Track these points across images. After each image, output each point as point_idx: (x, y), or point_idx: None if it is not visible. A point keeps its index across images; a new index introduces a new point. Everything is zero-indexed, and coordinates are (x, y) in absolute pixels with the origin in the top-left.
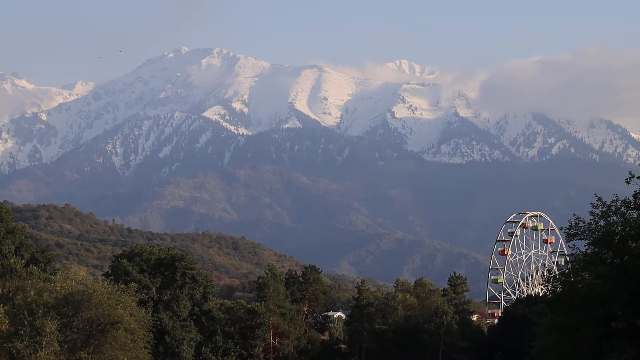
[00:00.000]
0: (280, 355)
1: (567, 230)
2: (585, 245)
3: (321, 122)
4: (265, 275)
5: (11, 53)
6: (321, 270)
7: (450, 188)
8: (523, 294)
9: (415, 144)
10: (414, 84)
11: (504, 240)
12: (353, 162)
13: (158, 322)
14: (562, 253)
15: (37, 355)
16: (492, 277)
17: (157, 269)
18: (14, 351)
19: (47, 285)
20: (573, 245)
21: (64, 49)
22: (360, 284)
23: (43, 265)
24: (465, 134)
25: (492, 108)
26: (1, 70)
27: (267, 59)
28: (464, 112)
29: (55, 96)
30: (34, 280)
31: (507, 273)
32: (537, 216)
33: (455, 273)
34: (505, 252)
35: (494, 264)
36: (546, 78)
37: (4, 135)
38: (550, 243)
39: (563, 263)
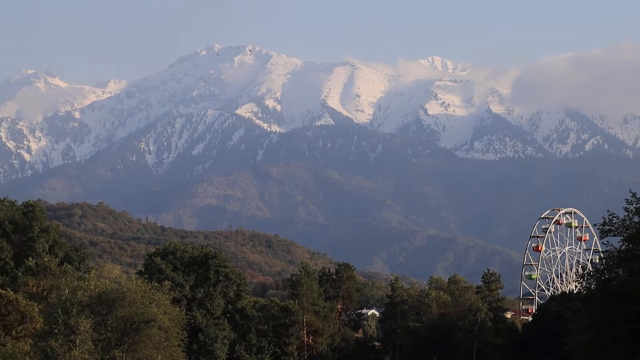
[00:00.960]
0: (314, 353)
1: (600, 227)
2: (619, 242)
3: (354, 119)
4: (299, 273)
5: (44, 52)
6: (354, 268)
7: (483, 185)
8: (557, 290)
9: (448, 141)
10: (446, 80)
11: (537, 237)
12: (386, 159)
13: (192, 320)
14: (597, 250)
15: (72, 353)
16: (526, 273)
17: (190, 267)
18: (49, 350)
19: (81, 283)
20: (607, 242)
21: (96, 47)
22: (393, 282)
23: (77, 263)
24: (498, 131)
25: (525, 104)
26: (35, 69)
27: (299, 56)
28: (496, 109)
29: (89, 94)
30: (68, 279)
31: (541, 269)
32: (571, 213)
33: (488, 270)
34: (540, 248)
35: (528, 259)
36: (579, 74)
37: (38, 133)
38: (584, 240)
39: (597, 260)
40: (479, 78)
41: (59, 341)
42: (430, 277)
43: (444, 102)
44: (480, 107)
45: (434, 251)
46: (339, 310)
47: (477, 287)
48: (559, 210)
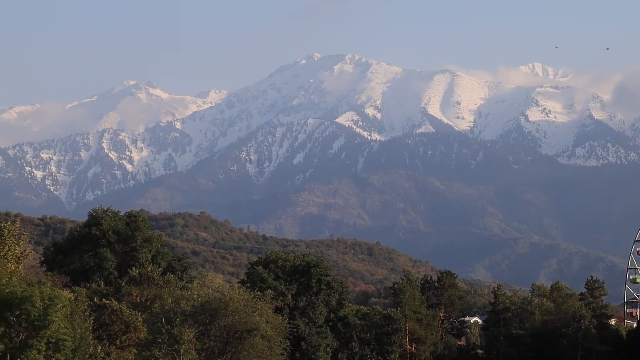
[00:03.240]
0: None
1: None
2: None
3: (454, 127)
4: (401, 281)
5: (146, 63)
6: (457, 275)
7: (585, 191)
8: None
9: (550, 147)
10: (547, 87)
11: None
12: (487, 166)
13: (294, 329)
14: None
15: None
16: (631, 277)
17: (292, 276)
18: (152, 359)
19: (184, 293)
20: None
21: (197, 58)
22: (496, 289)
23: (180, 273)
24: (600, 137)
25: (627, 110)
26: (136, 80)
27: (399, 64)
28: (598, 115)
29: (190, 105)
30: (171, 289)
31: None
32: None
33: (592, 277)
34: None
35: (632, 263)
36: None
37: (140, 144)
38: None
39: None
40: (580, 84)
41: (163, 350)
42: (533, 284)
43: (545, 109)
44: (581, 113)
45: (537, 258)
46: (442, 317)
47: (581, 294)
48: None
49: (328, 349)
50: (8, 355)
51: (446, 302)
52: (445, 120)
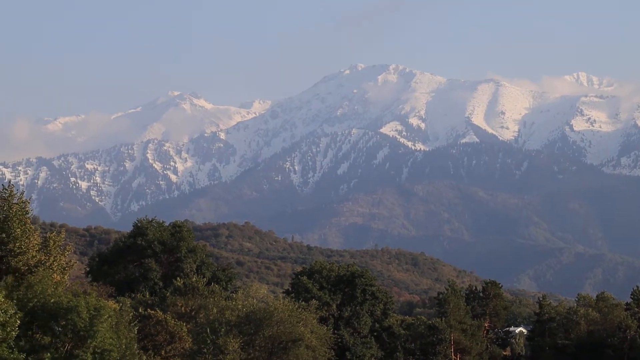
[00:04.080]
0: None
1: None
2: None
3: (499, 136)
4: (446, 291)
5: (190, 73)
6: (501, 285)
7: (630, 201)
8: None
9: (595, 157)
10: (592, 96)
11: None
12: (531, 176)
13: (339, 339)
14: None
15: None
16: None
17: (337, 286)
18: None
19: (228, 303)
20: None
21: (241, 68)
22: (541, 299)
23: (224, 283)
24: None
25: None
26: (180, 91)
27: (443, 74)
28: None
29: (234, 115)
30: (215, 299)
31: None
32: None
33: (638, 286)
34: None
35: None
36: None
37: (184, 154)
38: None
39: None
40: (625, 93)
41: None
42: (578, 294)
43: (589, 118)
44: (627, 122)
45: (582, 268)
46: (487, 328)
47: (627, 304)
48: None
49: (373, 359)
50: None
51: (491, 312)
52: (490, 130)
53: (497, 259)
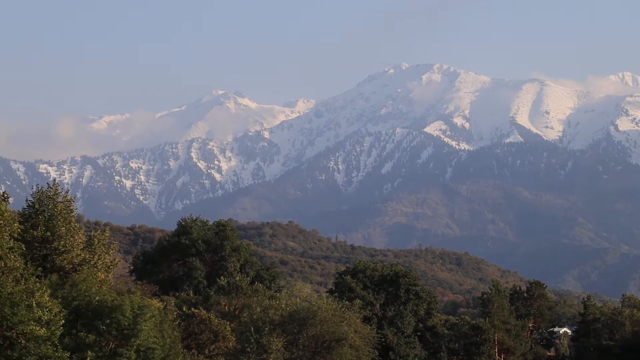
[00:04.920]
0: None
1: None
2: None
3: (543, 136)
4: (490, 291)
5: (234, 72)
6: (546, 286)
7: None
8: None
9: None
10: (637, 96)
11: None
12: (576, 176)
13: (382, 339)
14: None
15: None
16: None
17: (381, 286)
18: None
19: (272, 302)
20: None
21: (285, 67)
22: (586, 299)
23: (268, 282)
24: None
25: None
26: (225, 90)
27: (487, 74)
28: None
29: (278, 114)
30: (259, 298)
31: None
32: None
33: None
34: None
35: None
36: None
37: (228, 153)
38: None
39: None
40: None
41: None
42: (623, 295)
43: (635, 118)
44: None
45: (627, 269)
46: (531, 328)
47: None
48: None
49: (416, 359)
50: None
51: (535, 313)
52: (534, 130)
53: (541, 259)
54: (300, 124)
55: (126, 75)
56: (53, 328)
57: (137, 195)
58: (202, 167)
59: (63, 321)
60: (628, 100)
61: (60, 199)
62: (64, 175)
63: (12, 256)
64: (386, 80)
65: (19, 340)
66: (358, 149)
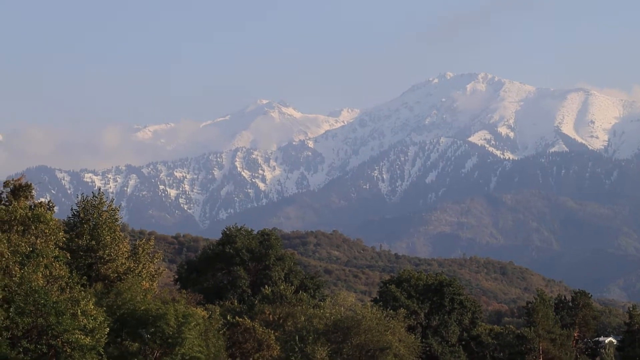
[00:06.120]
0: None
1: None
2: None
3: (588, 146)
4: (534, 300)
5: (278, 82)
6: (591, 295)
7: None
8: None
9: None
10: None
11: None
12: (621, 186)
13: (427, 348)
14: None
15: None
16: None
17: (425, 295)
18: None
19: (316, 311)
20: None
21: (329, 77)
22: (631, 309)
23: (312, 291)
24: None
25: None
26: (269, 99)
27: (532, 83)
28: None
29: (322, 123)
30: (303, 307)
31: None
32: None
33: None
34: None
35: None
36: None
37: (272, 163)
38: None
39: None
40: None
41: None
42: None
43: None
44: None
45: None
46: (576, 337)
47: None
48: None
49: None
50: None
51: (580, 322)
52: (579, 139)
53: (586, 269)
54: (344, 133)
55: (171, 85)
56: (98, 336)
57: (182, 204)
58: (246, 176)
59: (108, 330)
60: None
61: (105, 208)
62: (108, 184)
63: (58, 265)
64: (430, 90)
65: (64, 349)
66: (402, 159)
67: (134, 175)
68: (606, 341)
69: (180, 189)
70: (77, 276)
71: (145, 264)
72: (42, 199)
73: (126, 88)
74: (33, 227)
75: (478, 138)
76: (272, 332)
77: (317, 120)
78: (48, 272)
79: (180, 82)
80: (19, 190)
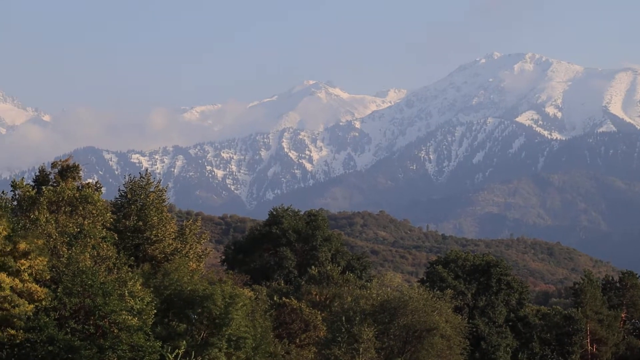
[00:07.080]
0: None
1: None
2: None
3: (636, 126)
4: (582, 281)
5: (326, 62)
6: (639, 276)
7: None
8: None
9: None
10: None
11: None
12: None
13: (474, 329)
14: None
15: None
16: None
17: (472, 275)
18: (332, 357)
19: (363, 292)
20: None
21: (376, 57)
22: None
23: (359, 272)
24: None
25: None
26: (316, 80)
27: (580, 63)
28: None
29: (369, 104)
30: (350, 288)
31: None
32: None
33: None
34: None
35: None
36: None
37: (319, 143)
38: None
39: None
40: None
41: (342, 349)
42: None
43: None
44: None
45: None
46: (623, 318)
47: None
48: None
49: (508, 348)
50: (193, 353)
51: (628, 303)
52: (627, 119)
53: (634, 249)
54: (391, 113)
55: (218, 66)
56: (145, 317)
57: (229, 185)
58: (293, 157)
59: (155, 310)
60: None
61: (152, 189)
62: (155, 165)
63: (105, 245)
64: (478, 70)
65: (112, 330)
66: (449, 139)
67: (181, 156)
68: None
69: (227, 169)
70: (124, 257)
71: (192, 244)
72: (90, 180)
73: (173, 70)
74: (81, 208)
75: (525, 118)
76: (319, 312)
77: (364, 101)
78: (95, 252)
79: (228, 63)
80: (66, 171)
